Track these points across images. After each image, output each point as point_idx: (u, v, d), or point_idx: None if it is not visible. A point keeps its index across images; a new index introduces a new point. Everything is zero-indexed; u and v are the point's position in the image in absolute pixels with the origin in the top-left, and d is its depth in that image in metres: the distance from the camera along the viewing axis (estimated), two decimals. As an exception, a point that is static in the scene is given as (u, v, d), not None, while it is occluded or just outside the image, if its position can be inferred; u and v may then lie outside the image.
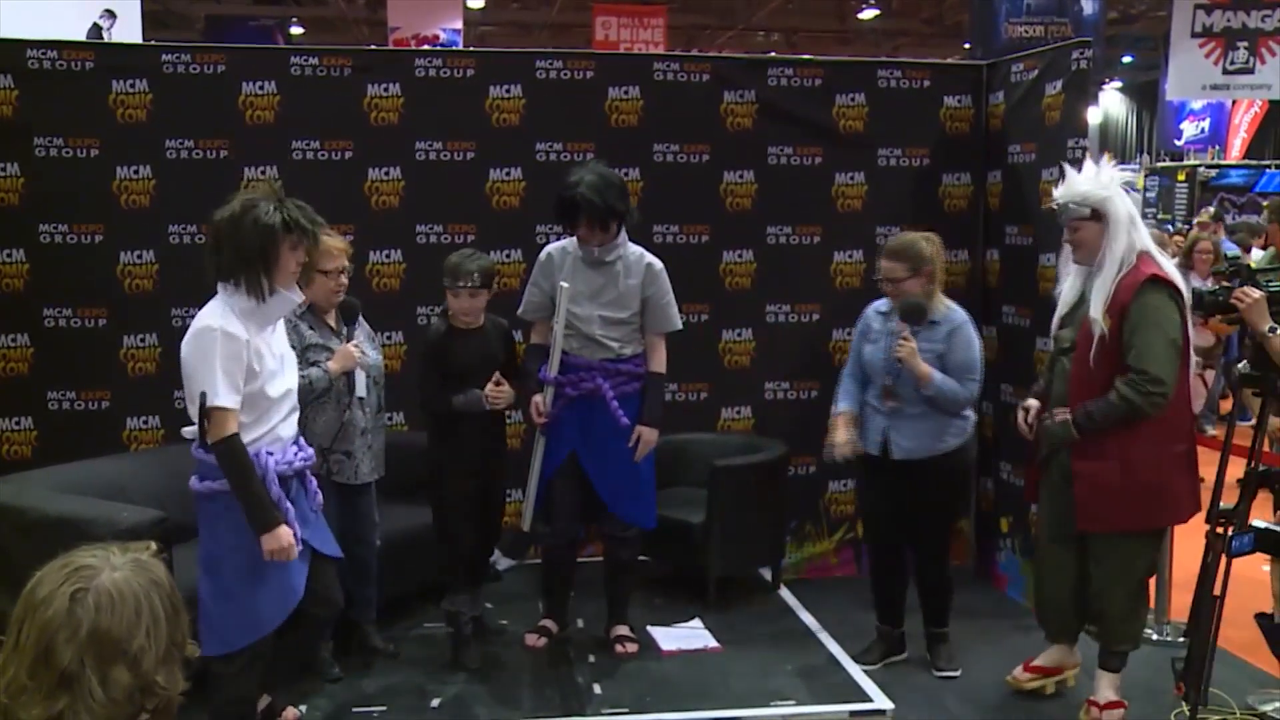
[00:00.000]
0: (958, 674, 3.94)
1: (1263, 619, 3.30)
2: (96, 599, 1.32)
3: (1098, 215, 3.37)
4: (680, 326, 3.96)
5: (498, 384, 3.76)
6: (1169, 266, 3.41)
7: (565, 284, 3.75)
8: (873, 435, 3.83)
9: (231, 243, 2.84)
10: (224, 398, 2.78)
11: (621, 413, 3.79)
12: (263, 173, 4.58)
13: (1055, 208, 3.50)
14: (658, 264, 3.84)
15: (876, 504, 3.98)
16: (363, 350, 3.67)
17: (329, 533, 3.17)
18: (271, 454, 2.89)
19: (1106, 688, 3.53)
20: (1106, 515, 3.36)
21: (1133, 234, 3.35)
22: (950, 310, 3.82)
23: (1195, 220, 11.50)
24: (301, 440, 3.06)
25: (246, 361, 2.82)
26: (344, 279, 3.66)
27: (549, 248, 3.92)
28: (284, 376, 2.96)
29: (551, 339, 3.79)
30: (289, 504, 2.90)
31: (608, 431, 3.81)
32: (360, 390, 3.63)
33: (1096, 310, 3.32)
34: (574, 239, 3.80)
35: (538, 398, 3.81)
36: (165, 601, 1.38)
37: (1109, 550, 3.43)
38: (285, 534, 2.84)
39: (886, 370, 3.75)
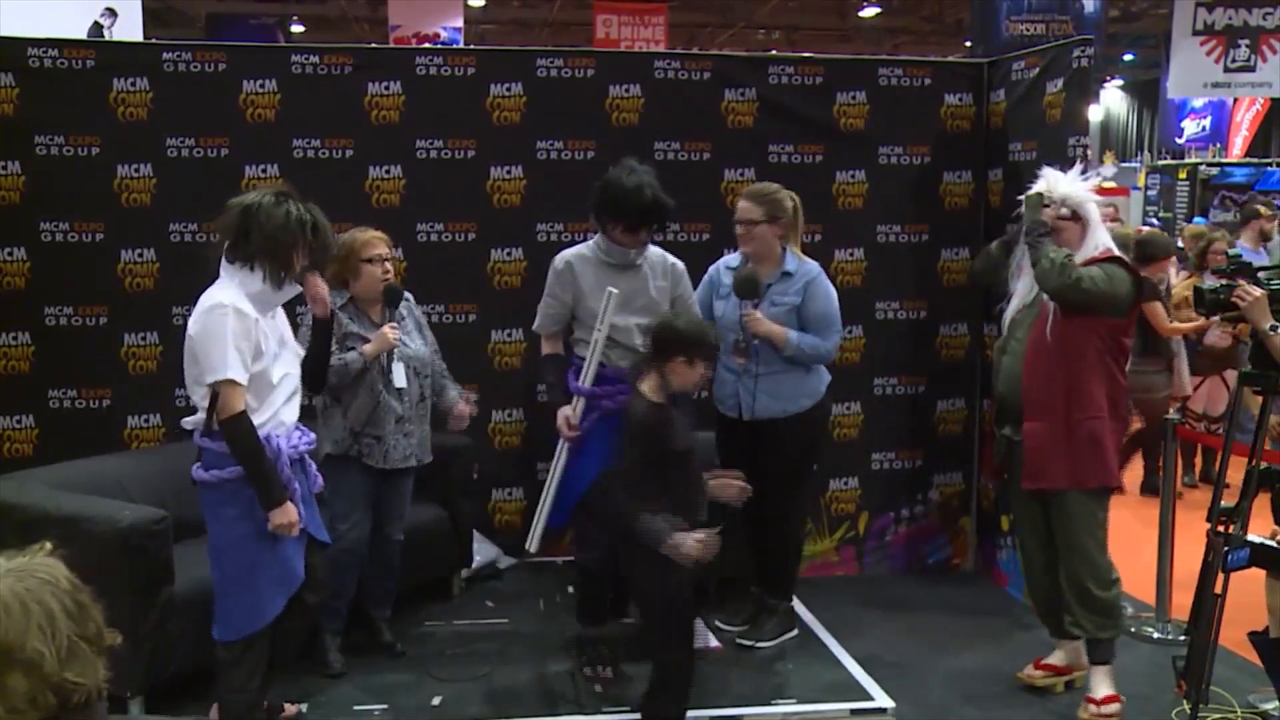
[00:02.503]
0: (768, 645, 4.00)
1: (1256, 636, 3.29)
2: None
3: (1076, 216, 3.52)
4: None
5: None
6: (1126, 258, 3.62)
7: (614, 290, 3.56)
8: (728, 396, 3.89)
9: (263, 230, 2.94)
10: (234, 371, 2.85)
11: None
12: (264, 171, 4.58)
13: (1029, 202, 3.59)
14: (680, 262, 3.75)
15: (731, 465, 3.92)
16: (404, 341, 3.75)
17: (319, 518, 3.24)
18: (280, 437, 2.97)
19: (1101, 682, 3.55)
20: (1048, 471, 3.50)
21: (1097, 235, 3.55)
22: (803, 262, 3.91)
23: (1210, 220, 11.49)
24: (302, 425, 3.13)
25: (255, 340, 2.91)
26: (389, 265, 3.78)
27: (565, 256, 3.70)
28: (284, 360, 3.04)
29: (590, 348, 3.59)
30: (296, 485, 3.00)
31: None
32: (399, 380, 3.70)
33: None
34: (590, 245, 3.68)
35: (566, 411, 3.61)
36: (63, 599, 1.38)
37: (1059, 519, 3.53)
38: (292, 510, 2.95)
39: (741, 329, 3.81)
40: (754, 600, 4.11)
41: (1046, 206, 3.54)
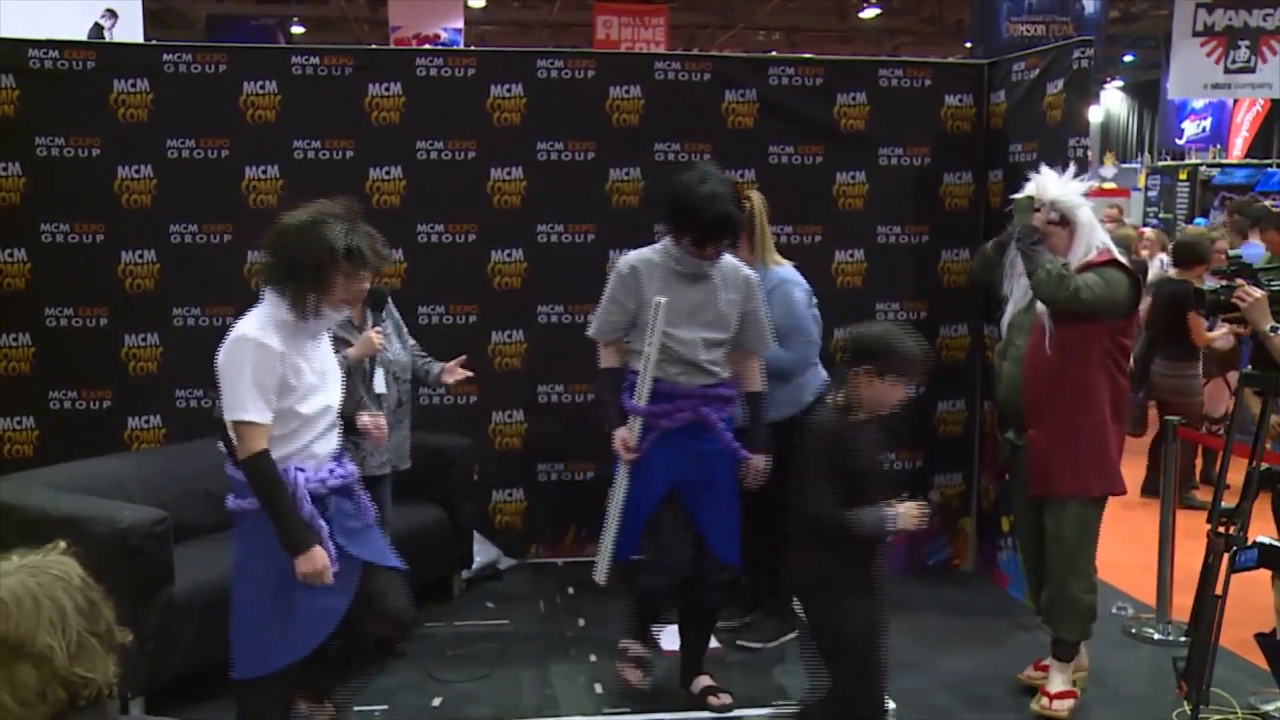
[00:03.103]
0: (768, 646, 4.00)
1: (1263, 639, 3.29)
2: None
3: (1064, 222, 3.49)
4: (774, 349, 3.58)
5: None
6: (1124, 260, 3.57)
7: (662, 299, 3.25)
8: None
9: (289, 252, 2.72)
10: (252, 412, 2.65)
11: (738, 444, 3.40)
12: (264, 172, 4.58)
13: (1019, 206, 3.56)
14: (754, 275, 3.45)
15: None
16: (385, 345, 3.68)
17: (385, 544, 3.01)
18: (303, 470, 2.74)
19: (1058, 677, 3.57)
20: (1053, 479, 3.49)
21: (1091, 237, 3.50)
22: (770, 269, 3.79)
23: (1210, 221, 11.49)
24: (345, 457, 2.92)
25: (281, 375, 2.68)
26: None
27: (631, 260, 3.38)
28: (324, 392, 2.80)
29: (642, 363, 3.30)
30: (323, 522, 2.75)
31: (708, 464, 3.39)
32: (379, 386, 3.65)
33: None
34: (659, 249, 3.37)
35: (623, 431, 3.33)
36: (75, 596, 1.39)
37: (1055, 522, 3.52)
38: (319, 556, 2.69)
39: None
40: (753, 601, 4.11)
41: (1037, 210, 3.51)
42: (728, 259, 3.38)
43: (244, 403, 2.65)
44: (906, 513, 2.82)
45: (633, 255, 3.40)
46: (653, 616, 3.58)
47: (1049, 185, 3.53)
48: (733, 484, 3.44)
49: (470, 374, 3.87)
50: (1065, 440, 3.46)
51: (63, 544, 1.46)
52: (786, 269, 3.87)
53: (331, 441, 2.85)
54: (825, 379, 3.91)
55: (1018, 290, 3.64)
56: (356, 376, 3.61)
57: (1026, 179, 3.68)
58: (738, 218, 3.28)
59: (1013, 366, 3.61)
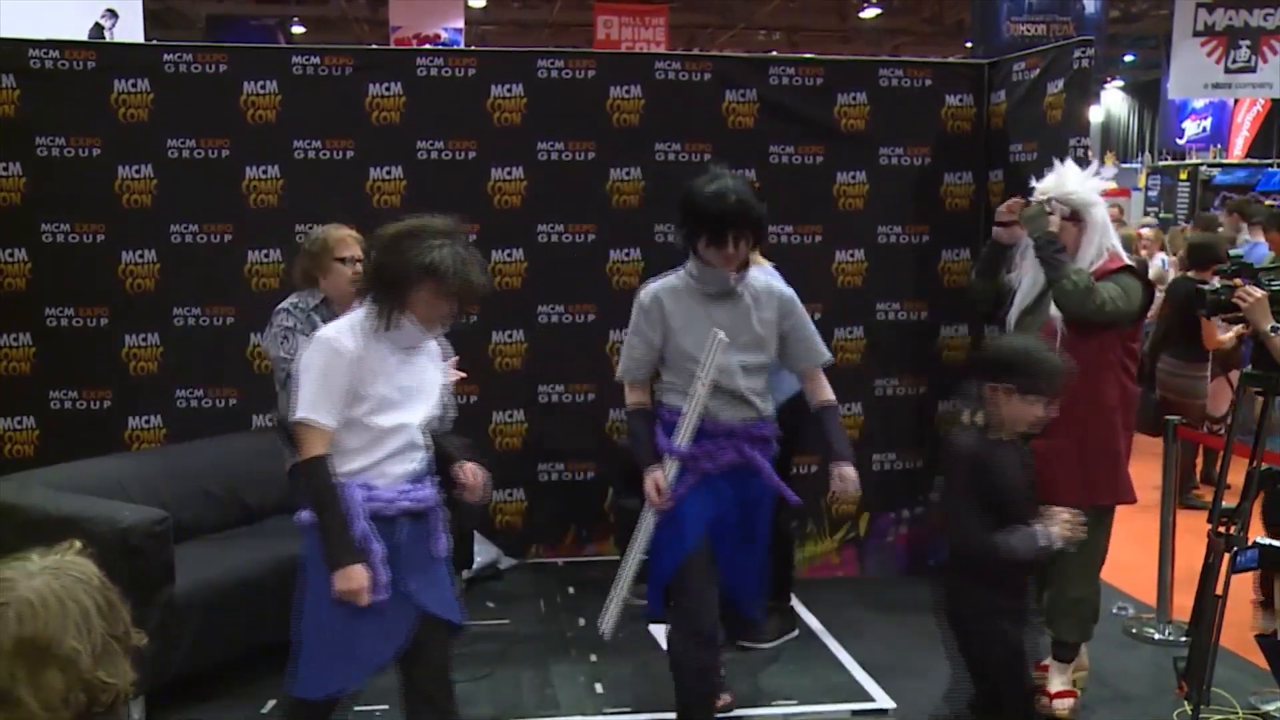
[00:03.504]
0: (768, 646, 4.00)
1: (1264, 639, 3.29)
2: (18, 610, 1.32)
3: (1076, 218, 3.42)
4: (832, 357, 3.29)
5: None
6: (1130, 262, 3.52)
7: (721, 333, 2.95)
8: None
9: (377, 260, 2.65)
10: (312, 414, 2.54)
11: (791, 492, 3.12)
12: (264, 172, 4.58)
13: (1034, 199, 3.51)
14: (789, 290, 3.21)
15: None
16: None
17: (450, 593, 2.81)
18: (368, 487, 2.60)
19: (1058, 677, 3.56)
20: (1060, 489, 3.37)
21: (1103, 240, 3.44)
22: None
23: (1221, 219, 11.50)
24: (427, 482, 2.74)
25: (350, 381, 2.56)
26: (359, 267, 3.67)
27: (653, 291, 3.08)
28: (404, 410, 2.65)
29: (690, 401, 2.98)
30: (377, 545, 2.58)
31: (749, 514, 3.11)
32: None
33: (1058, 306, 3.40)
34: (680, 275, 3.08)
35: (657, 474, 3.00)
36: (96, 597, 1.38)
37: None
38: (357, 575, 2.53)
39: None
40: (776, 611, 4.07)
41: (1050, 215, 3.43)
42: (758, 275, 3.14)
43: (306, 403, 2.55)
44: (1060, 529, 2.69)
45: (654, 285, 3.11)
46: (699, 688, 3.14)
47: (1069, 178, 3.47)
48: (766, 535, 3.17)
49: (464, 374, 3.85)
50: (1074, 450, 3.39)
51: (78, 544, 1.45)
52: (766, 268, 3.82)
53: (409, 463, 2.68)
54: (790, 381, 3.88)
55: (1023, 289, 3.57)
56: None
57: (1039, 175, 3.62)
58: (753, 208, 2.97)
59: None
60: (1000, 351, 2.79)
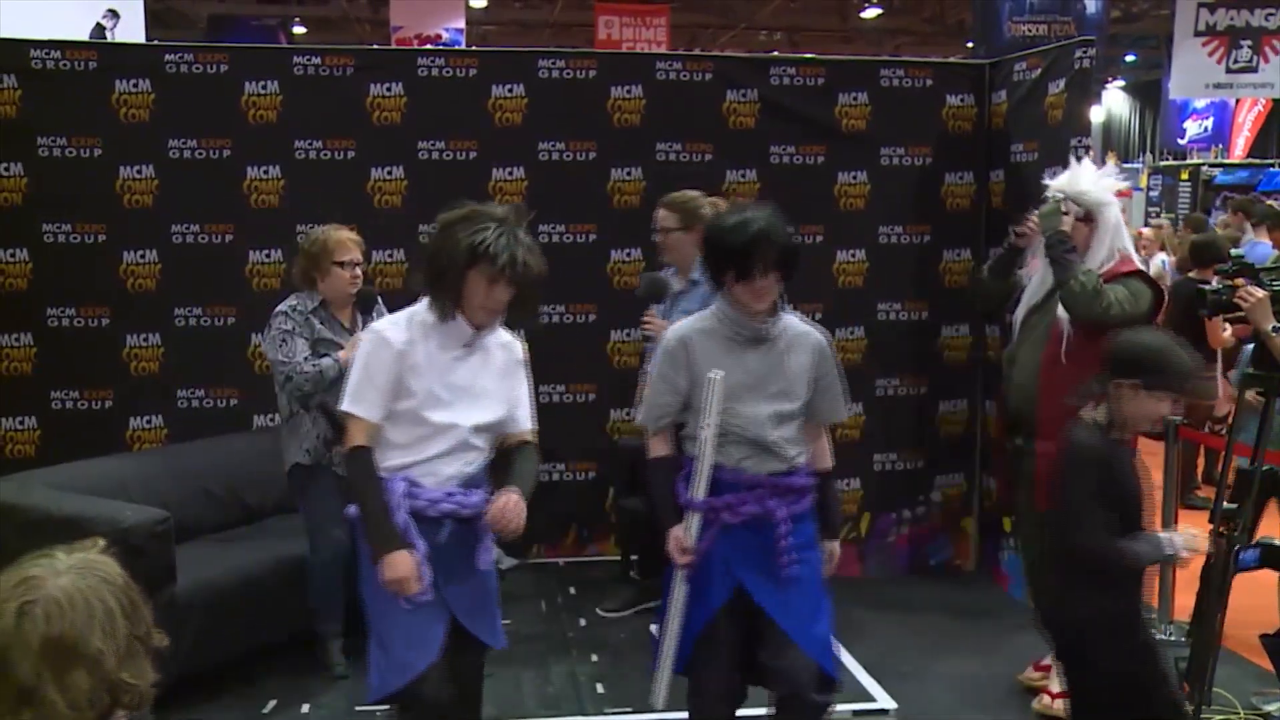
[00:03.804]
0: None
1: (1268, 639, 3.28)
2: (45, 609, 1.32)
3: (1089, 217, 3.39)
4: (846, 417, 3.10)
5: None
6: (1141, 266, 3.50)
7: (717, 373, 2.70)
8: None
9: (430, 246, 2.59)
10: (354, 403, 2.54)
11: (795, 555, 2.76)
12: (265, 172, 4.59)
13: (1048, 196, 3.48)
14: (826, 338, 2.92)
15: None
16: None
17: (495, 615, 2.73)
18: (413, 484, 2.55)
19: (1059, 678, 3.56)
20: None
21: (1115, 241, 3.41)
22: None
23: (1213, 221, 11.49)
24: (483, 489, 2.65)
25: (397, 374, 2.52)
26: (359, 271, 3.69)
27: (679, 332, 2.82)
28: (454, 409, 2.57)
29: (699, 448, 2.74)
30: (420, 540, 2.52)
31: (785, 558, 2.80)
32: None
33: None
34: (710, 314, 2.82)
35: (678, 531, 2.75)
36: (120, 597, 1.38)
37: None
38: (404, 562, 2.48)
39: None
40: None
41: (1065, 214, 3.39)
42: (793, 320, 2.89)
43: (350, 393, 2.55)
44: (1187, 540, 2.59)
45: (681, 326, 2.87)
46: None
47: (1083, 177, 3.44)
48: (819, 579, 2.86)
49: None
50: None
51: (101, 542, 1.44)
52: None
53: (461, 465, 2.60)
54: None
55: (1031, 286, 3.54)
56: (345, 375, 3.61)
57: (1031, 178, 3.61)
58: (780, 235, 2.71)
59: (1022, 373, 3.50)
60: (1128, 346, 2.63)
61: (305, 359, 3.55)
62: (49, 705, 1.30)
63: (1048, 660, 3.76)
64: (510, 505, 2.58)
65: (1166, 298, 3.98)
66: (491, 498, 2.62)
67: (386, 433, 2.56)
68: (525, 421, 2.77)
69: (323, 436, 3.64)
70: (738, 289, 2.73)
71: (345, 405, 2.55)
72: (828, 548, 2.90)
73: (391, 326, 2.58)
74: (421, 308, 2.58)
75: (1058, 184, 3.48)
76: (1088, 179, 3.44)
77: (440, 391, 2.55)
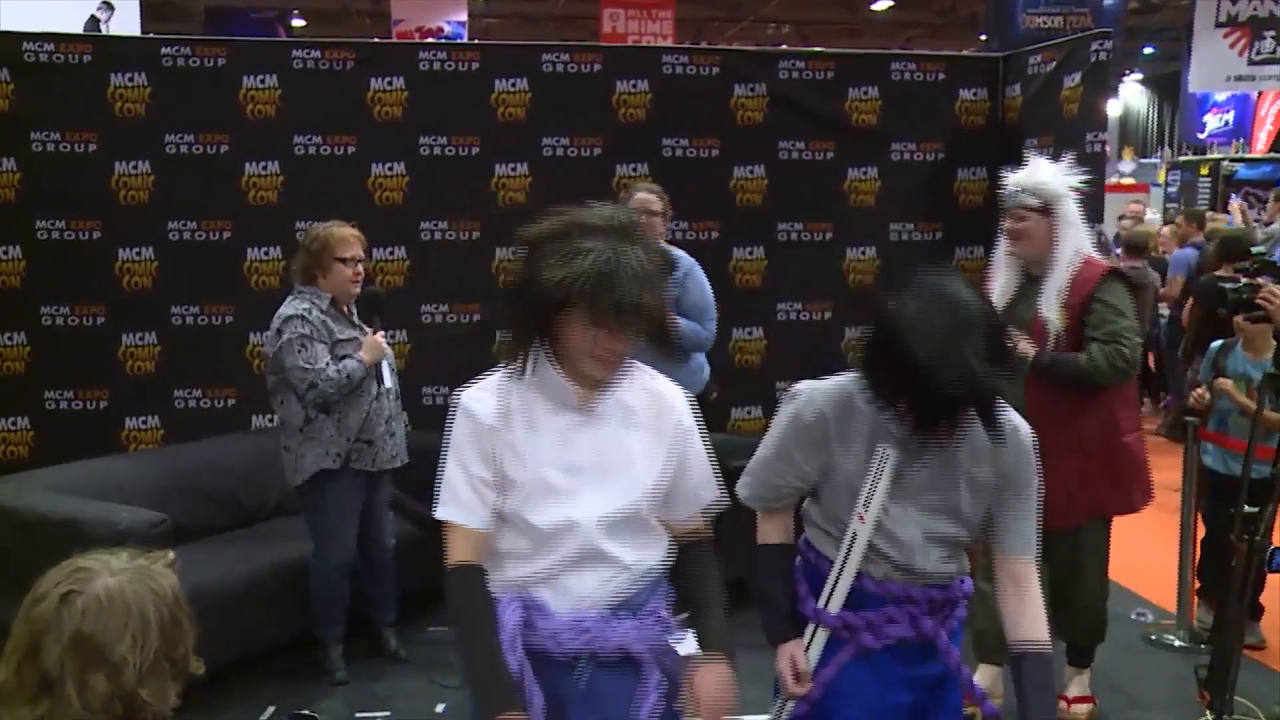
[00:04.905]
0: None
1: None
2: (85, 603, 1.33)
3: (1047, 210, 3.31)
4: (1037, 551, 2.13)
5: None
6: (1099, 258, 3.44)
7: (891, 451, 2.01)
8: None
9: (513, 279, 1.92)
10: (450, 505, 1.87)
11: (980, 691, 2.21)
12: (264, 169, 4.60)
13: (1005, 192, 3.40)
14: (1029, 438, 2.08)
15: None
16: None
17: None
18: (534, 608, 1.88)
19: (1075, 683, 3.57)
20: (1069, 509, 3.32)
21: (1077, 238, 3.34)
22: (680, 256, 4.02)
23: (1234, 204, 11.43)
24: (645, 616, 1.93)
25: (496, 461, 1.86)
26: (360, 268, 3.71)
27: (819, 400, 2.08)
28: (578, 500, 1.87)
29: (844, 545, 2.09)
30: (537, 690, 1.85)
31: (930, 697, 2.17)
32: (389, 382, 3.72)
33: (1051, 310, 3.28)
34: (855, 383, 2.02)
35: (794, 650, 2.15)
36: (163, 614, 1.38)
37: (1067, 544, 3.40)
38: None
39: None
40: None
41: (1023, 210, 3.28)
42: (1012, 414, 2.07)
43: (443, 492, 1.89)
44: None
45: (822, 390, 2.10)
46: None
47: (1041, 169, 3.37)
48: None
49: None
50: (1076, 468, 3.30)
51: (171, 555, 1.45)
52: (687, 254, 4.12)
53: (598, 580, 1.89)
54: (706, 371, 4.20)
55: (998, 288, 3.44)
56: (370, 377, 3.66)
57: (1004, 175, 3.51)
58: (988, 383, 1.89)
59: (1011, 384, 3.42)
60: None
61: (328, 364, 3.54)
62: (66, 701, 1.31)
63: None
64: (710, 686, 1.90)
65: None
66: (663, 631, 1.94)
67: (496, 538, 1.90)
68: (693, 503, 1.99)
69: (350, 438, 3.62)
70: (908, 417, 1.96)
71: (439, 510, 1.88)
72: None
73: (479, 393, 1.90)
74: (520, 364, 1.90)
75: (1016, 177, 3.39)
76: (1046, 171, 3.37)
77: (551, 476, 1.87)
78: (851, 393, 2.05)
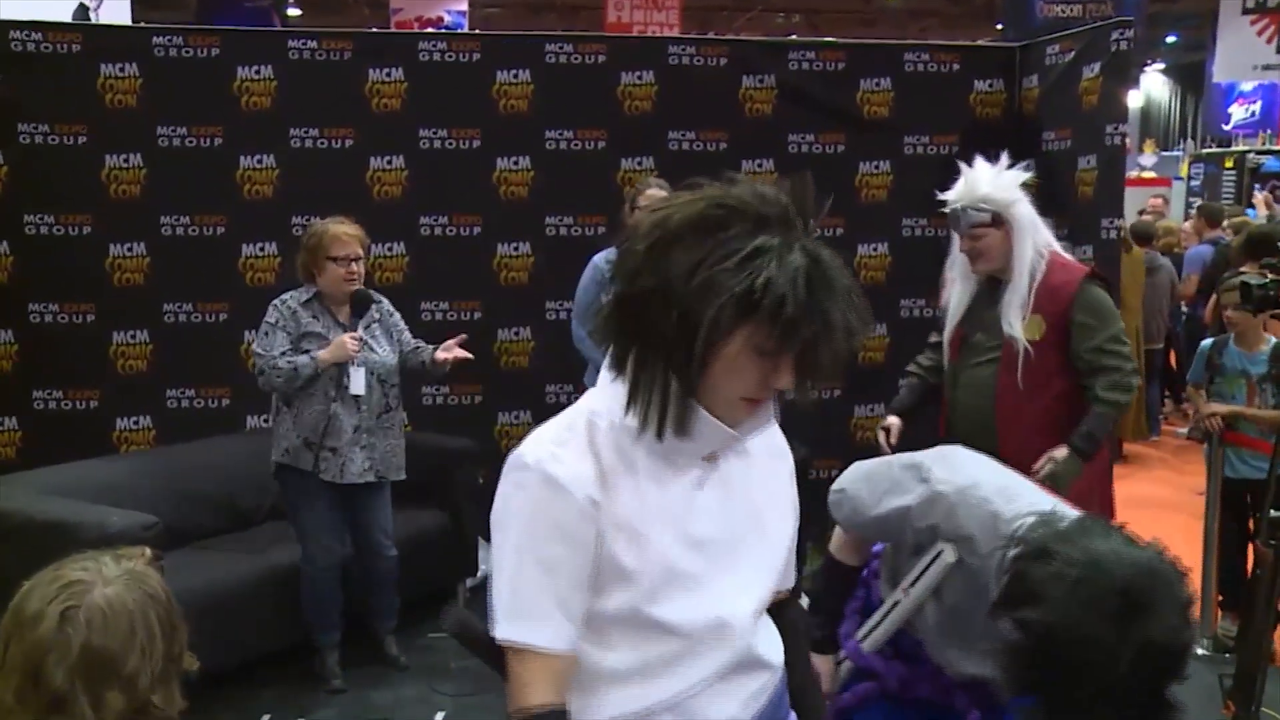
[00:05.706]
0: None
1: None
2: (89, 617, 1.32)
3: (999, 221, 3.16)
4: None
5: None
6: (1069, 257, 3.33)
7: (950, 554, 1.92)
8: None
9: (624, 288, 1.33)
10: (519, 621, 1.32)
11: None
12: (259, 162, 4.61)
13: (950, 211, 3.24)
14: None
15: None
16: (370, 346, 3.69)
17: None
18: None
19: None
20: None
21: (1037, 238, 3.20)
22: None
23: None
24: None
25: (592, 550, 1.31)
26: (355, 267, 3.68)
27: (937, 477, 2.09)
28: (719, 587, 1.38)
29: (886, 608, 2.11)
30: None
31: None
32: (357, 388, 3.63)
33: (1015, 327, 3.15)
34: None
35: (825, 666, 2.14)
36: (161, 616, 1.38)
37: None
38: None
39: None
40: None
41: (978, 223, 3.13)
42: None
43: (508, 608, 1.34)
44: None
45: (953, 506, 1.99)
46: None
47: (979, 180, 3.19)
48: None
49: (469, 355, 3.84)
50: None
51: (149, 552, 1.44)
52: None
53: (744, 696, 1.43)
54: None
55: (954, 300, 3.34)
56: (326, 378, 3.61)
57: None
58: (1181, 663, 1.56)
59: (974, 395, 3.27)
60: None
61: (281, 354, 3.56)
62: (79, 718, 1.30)
63: None
64: None
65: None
66: None
67: (591, 656, 1.36)
68: (793, 563, 1.57)
69: (303, 438, 3.63)
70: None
71: (503, 629, 1.33)
72: None
73: (558, 450, 1.33)
74: (604, 404, 1.37)
75: (953, 197, 3.22)
76: (985, 181, 3.19)
77: (682, 560, 1.36)
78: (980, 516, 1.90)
